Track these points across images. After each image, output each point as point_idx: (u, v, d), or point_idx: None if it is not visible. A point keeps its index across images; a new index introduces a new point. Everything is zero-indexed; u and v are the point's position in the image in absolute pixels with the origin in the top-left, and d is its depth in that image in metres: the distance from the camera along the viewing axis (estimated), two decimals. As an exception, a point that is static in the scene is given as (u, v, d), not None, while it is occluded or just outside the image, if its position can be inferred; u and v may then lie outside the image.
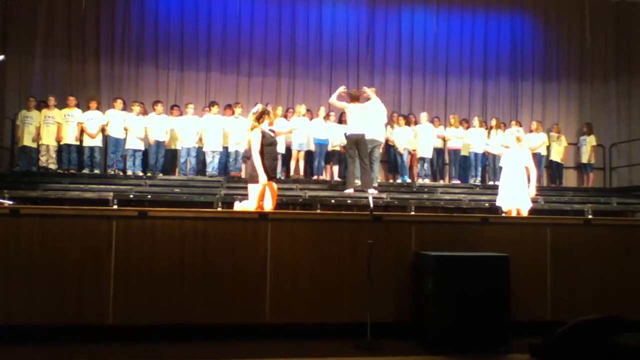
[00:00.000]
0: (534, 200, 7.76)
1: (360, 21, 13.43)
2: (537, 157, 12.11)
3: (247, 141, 6.49)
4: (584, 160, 12.72)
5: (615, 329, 2.92)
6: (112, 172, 10.73)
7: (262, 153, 6.26)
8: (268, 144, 6.36)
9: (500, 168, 8.04)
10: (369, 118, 9.48)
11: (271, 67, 12.93)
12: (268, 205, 6.33)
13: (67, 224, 4.64)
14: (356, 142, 9.28)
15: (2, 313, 4.47)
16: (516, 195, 7.48)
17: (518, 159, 7.59)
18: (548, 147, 12.36)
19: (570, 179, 13.11)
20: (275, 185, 6.48)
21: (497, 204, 7.95)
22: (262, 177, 6.17)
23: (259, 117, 6.37)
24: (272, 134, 6.48)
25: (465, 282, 4.49)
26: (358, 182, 9.74)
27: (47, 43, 11.98)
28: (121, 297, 4.60)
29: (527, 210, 7.59)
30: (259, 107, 6.55)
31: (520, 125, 11.99)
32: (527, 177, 7.74)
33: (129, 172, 10.78)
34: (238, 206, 6.46)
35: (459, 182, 11.94)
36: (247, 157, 6.74)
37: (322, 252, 4.90)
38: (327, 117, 11.55)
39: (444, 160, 12.38)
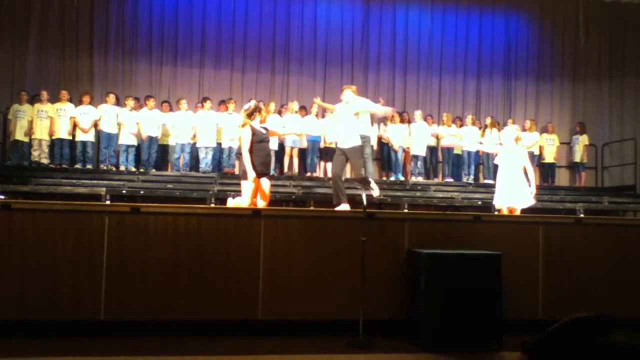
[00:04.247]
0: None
1: (354, 18, 13.41)
2: (530, 156, 12.17)
3: (239, 138, 6.49)
4: (577, 159, 12.79)
5: (605, 328, 2.93)
6: (105, 167, 10.68)
7: (252, 150, 6.26)
8: (259, 140, 6.34)
9: (495, 166, 8.03)
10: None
11: (265, 63, 12.90)
12: (261, 202, 6.33)
13: (59, 219, 4.62)
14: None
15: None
16: (515, 194, 7.47)
17: (516, 158, 7.58)
18: (540, 147, 12.42)
19: (562, 178, 13.17)
20: (268, 182, 6.47)
21: (494, 202, 7.94)
22: (251, 174, 6.18)
23: (250, 114, 6.37)
24: (263, 131, 6.46)
25: (458, 279, 4.51)
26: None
27: (41, 37, 11.89)
28: (114, 293, 4.59)
29: (522, 208, 7.59)
30: (251, 104, 6.54)
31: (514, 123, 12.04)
32: (526, 176, 7.74)
33: (122, 168, 10.74)
34: (231, 202, 6.45)
35: (452, 180, 11.97)
36: (240, 153, 6.73)
37: (315, 249, 4.90)
38: (319, 114, 11.57)
39: (438, 158, 12.41)
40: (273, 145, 10.97)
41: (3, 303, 4.47)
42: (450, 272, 4.52)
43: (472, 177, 12.00)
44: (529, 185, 7.54)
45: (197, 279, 4.72)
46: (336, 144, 7.30)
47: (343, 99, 7.24)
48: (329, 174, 11.34)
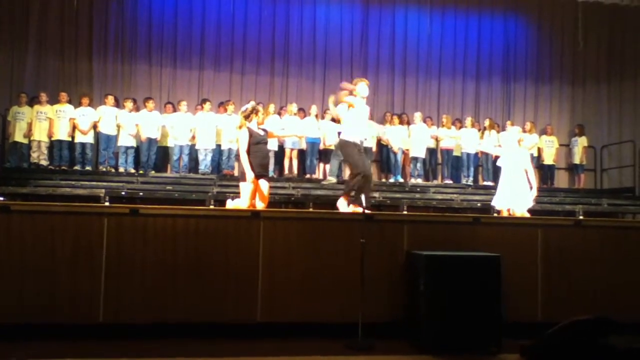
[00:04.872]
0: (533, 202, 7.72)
1: (354, 21, 13.42)
2: (529, 157, 12.19)
3: (237, 139, 6.50)
4: (576, 161, 12.79)
5: (604, 331, 2.94)
6: (104, 169, 10.67)
7: (249, 151, 6.27)
8: (256, 142, 6.34)
9: (495, 168, 8.04)
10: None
11: (264, 65, 12.90)
12: (260, 204, 6.32)
13: (58, 221, 4.61)
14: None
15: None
16: (514, 196, 7.47)
17: (518, 160, 7.58)
18: (539, 149, 12.43)
19: (561, 180, 13.18)
20: (267, 184, 6.47)
21: (493, 203, 7.93)
22: (249, 175, 6.19)
23: (247, 116, 6.39)
24: (261, 133, 6.46)
25: (457, 281, 4.51)
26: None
27: (40, 39, 11.88)
28: (113, 295, 4.58)
29: (527, 209, 7.58)
30: (248, 105, 6.56)
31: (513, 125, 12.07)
32: (528, 179, 7.74)
33: (121, 169, 10.73)
34: (230, 204, 6.44)
35: (451, 182, 11.98)
36: (239, 154, 6.74)
37: (314, 251, 4.90)
38: (319, 115, 11.61)
39: (437, 160, 12.41)
40: (272, 146, 10.97)
41: (2, 305, 4.45)
42: (449, 273, 4.52)
43: (471, 179, 12.00)
44: (531, 187, 7.55)
45: (196, 280, 4.71)
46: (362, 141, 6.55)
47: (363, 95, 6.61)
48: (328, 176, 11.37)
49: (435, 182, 12.15)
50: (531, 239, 5.26)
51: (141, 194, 9.03)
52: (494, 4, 13.92)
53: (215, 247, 4.77)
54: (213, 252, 4.76)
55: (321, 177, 11.48)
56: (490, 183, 11.70)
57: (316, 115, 11.52)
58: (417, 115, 11.96)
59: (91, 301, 4.55)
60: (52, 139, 10.55)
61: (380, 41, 13.46)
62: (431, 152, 12.17)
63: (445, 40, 13.71)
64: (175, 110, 11.21)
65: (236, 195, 7.07)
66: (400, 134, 11.77)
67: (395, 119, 11.90)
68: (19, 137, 10.41)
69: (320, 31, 13.21)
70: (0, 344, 4.21)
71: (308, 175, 11.33)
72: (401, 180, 11.68)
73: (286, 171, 11.33)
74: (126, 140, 10.75)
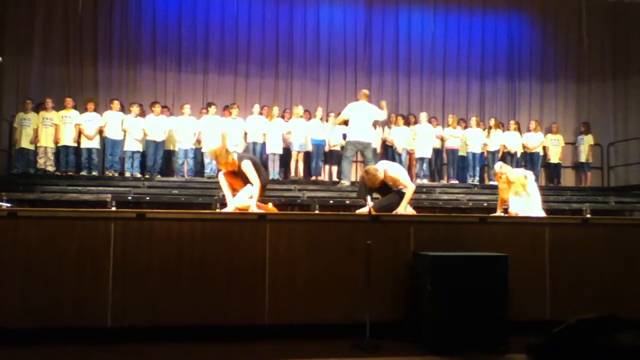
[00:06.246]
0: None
1: (357, 21, 13.45)
2: (535, 156, 12.15)
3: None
4: (582, 159, 12.75)
5: (612, 329, 2.91)
6: (110, 174, 10.71)
7: None
8: None
9: None
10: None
11: (269, 68, 12.94)
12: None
13: (65, 226, 4.63)
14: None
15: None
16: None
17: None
18: (545, 148, 12.39)
19: (568, 178, 13.13)
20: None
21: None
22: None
23: None
24: None
25: (463, 282, 4.49)
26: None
27: (45, 45, 11.97)
28: (120, 300, 4.59)
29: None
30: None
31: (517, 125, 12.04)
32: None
33: (127, 174, 10.77)
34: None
35: (457, 182, 11.95)
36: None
37: (320, 252, 4.90)
38: (324, 117, 11.62)
39: (443, 160, 12.39)
40: (278, 149, 11.00)
41: (8, 310, 4.47)
42: (456, 274, 4.51)
43: (477, 178, 11.97)
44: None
45: (202, 284, 4.72)
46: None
47: None
48: (334, 178, 11.38)
49: (441, 182, 12.13)
50: (538, 238, 5.24)
51: (147, 198, 9.06)
52: (498, 2, 13.92)
53: (222, 250, 4.78)
54: (220, 255, 4.77)
55: (327, 179, 11.48)
56: (496, 183, 11.65)
57: (321, 118, 11.53)
58: (423, 116, 11.94)
59: (99, 306, 4.56)
60: (58, 144, 10.62)
61: (384, 42, 13.48)
62: (437, 152, 12.15)
63: (449, 40, 13.71)
64: (175, 114, 11.24)
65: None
66: (405, 134, 11.75)
67: (400, 120, 11.88)
68: (25, 143, 10.47)
69: (324, 32, 13.24)
70: (7, 349, 4.22)
71: (313, 178, 11.33)
72: (407, 180, 11.65)
73: (292, 173, 11.33)
74: (132, 145, 10.78)
